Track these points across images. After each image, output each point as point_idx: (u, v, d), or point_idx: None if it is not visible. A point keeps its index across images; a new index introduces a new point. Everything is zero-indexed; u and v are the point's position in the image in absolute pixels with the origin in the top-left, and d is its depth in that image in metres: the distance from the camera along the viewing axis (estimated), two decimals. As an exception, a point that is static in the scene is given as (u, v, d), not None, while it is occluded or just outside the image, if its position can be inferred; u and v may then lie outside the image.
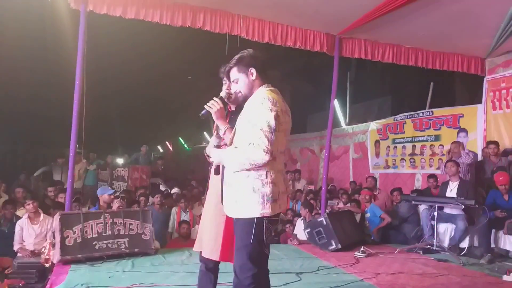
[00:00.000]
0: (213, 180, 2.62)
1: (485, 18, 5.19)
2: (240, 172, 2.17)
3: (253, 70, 2.24)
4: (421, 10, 4.91)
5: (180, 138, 23.91)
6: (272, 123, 2.08)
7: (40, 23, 8.49)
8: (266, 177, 2.13)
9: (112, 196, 5.19)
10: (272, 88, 2.25)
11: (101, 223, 4.36)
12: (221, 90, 2.60)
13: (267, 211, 2.11)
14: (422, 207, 5.51)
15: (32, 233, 4.89)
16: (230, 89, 2.49)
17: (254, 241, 2.09)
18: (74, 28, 4.67)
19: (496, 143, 6.05)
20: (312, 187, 8.92)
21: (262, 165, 2.12)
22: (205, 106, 2.40)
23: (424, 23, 5.35)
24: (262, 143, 2.07)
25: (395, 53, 6.24)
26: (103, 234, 4.34)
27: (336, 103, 11.19)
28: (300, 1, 4.91)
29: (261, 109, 2.11)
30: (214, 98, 2.43)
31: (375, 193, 6.95)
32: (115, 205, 4.87)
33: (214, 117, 2.41)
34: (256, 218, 2.11)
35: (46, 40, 9.61)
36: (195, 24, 5.01)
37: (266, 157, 2.07)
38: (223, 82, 2.67)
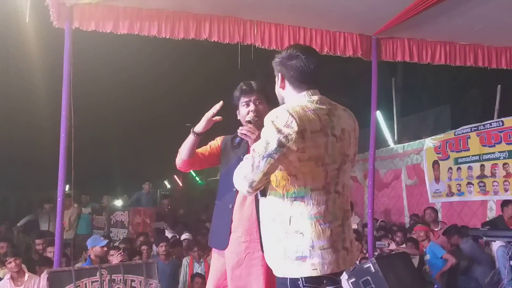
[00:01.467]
0: (241, 210, 2.77)
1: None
2: (267, 208, 2.19)
3: (279, 76, 2.28)
4: (474, 0, 4.97)
5: (191, 171, 24.23)
6: (271, 146, 2.01)
7: (18, 47, 8.96)
8: (289, 223, 2.08)
9: (105, 249, 5.30)
10: (306, 98, 2.18)
11: (97, 281, 4.47)
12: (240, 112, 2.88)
13: (293, 272, 2.06)
14: (497, 244, 5.40)
15: (16, 296, 5.05)
16: (255, 111, 2.77)
17: None
18: (57, 52, 4.92)
19: None
20: (354, 226, 8.84)
21: (283, 205, 2.09)
22: (240, 133, 2.55)
23: (481, 13, 5.38)
24: (244, 168, 2.07)
25: (449, 52, 6.25)
26: (100, 295, 4.44)
27: (379, 117, 11.29)
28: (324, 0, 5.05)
29: (267, 127, 2.09)
30: (249, 125, 2.60)
31: (436, 229, 6.84)
32: (115, 259, 4.99)
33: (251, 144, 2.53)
34: (288, 278, 2.07)
35: (25, 71, 10.10)
36: (200, 35, 5.20)
37: (246, 190, 2.08)
38: (243, 104, 2.88)
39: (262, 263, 2.61)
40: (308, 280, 2.06)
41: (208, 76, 12.48)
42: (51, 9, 4.57)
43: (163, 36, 5.05)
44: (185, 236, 8.03)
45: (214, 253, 2.94)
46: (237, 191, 2.77)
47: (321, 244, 2.06)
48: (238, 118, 2.99)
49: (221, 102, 2.79)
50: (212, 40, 5.27)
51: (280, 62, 2.26)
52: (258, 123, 2.67)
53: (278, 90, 2.31)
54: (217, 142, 3.05)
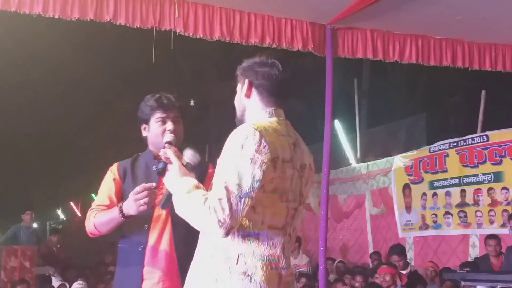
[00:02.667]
0: (156, 250, 2.83)
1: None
2: (205, 242, 2.27)
3: (247, 82, 2.41)
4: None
5: (93, 195, 23.60)
6: (247, 182, 2.10)
7: None
8: (237, 262, 2.16)
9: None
10: (275, 118, 2.35)
11: None
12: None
13: None
14: (479, 290, 5.62)
15: None
16: (174, 131, 2.92)
17: None
18: None
19: None
20: (303, 267, 8.95)
21: (231, 240, 2.16)
22: (164, 157, 2.55)
23: (461, 2, 5.66)
24: (219, 210, 2.08)
25: (421, 48, 6.51)
26: None
27: (338, 128, 11.55)
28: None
29: (236, 153, 2.15)
30: (171, 147, 2.66)
31: (405, 271, 7.05)
32: None
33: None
34: None
35: None
36: (102, 16, 5.15)
37: (219, 232, 2.09)
38: (158, 120, 2.98)
39: None
40: None
41: (114, 70, 12.33)
42: None
43: (51, 15, 4.96)
44: (77, 285, 7.81)
45: None
46: (149, 229, 2.85)
47: None
48: (144, 135, 3.07)
49: (153, 184, 2.80)
50: (118, 23, 5.23)
51: (249, 67, 2.42)
52: (176, 146, 2.80)
53: (242, 99, 2.43)
54: (114, 175, 3.04)
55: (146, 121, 3.03)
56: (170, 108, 3.00)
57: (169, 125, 2.96)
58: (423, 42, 6.52)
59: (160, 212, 2.88)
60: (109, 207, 2.95)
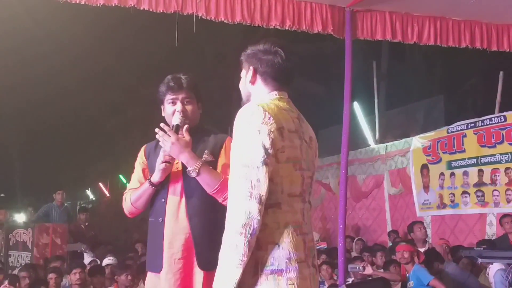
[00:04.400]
0: (175, 222, 2.94)
1: None
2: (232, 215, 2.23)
3: (251, 69, 2.47)
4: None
5: (121, 176, 23.92)
6: (258, 151, 2.18)
7: None
8: (264, 232, 2.20)
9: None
10: (277, 97, 2.42)
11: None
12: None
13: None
14: (495, 268, 5.60)
15: None
16: (182, 111, 3.01)
17: None
18: None
19: None
20: (324, 244, 8.97)
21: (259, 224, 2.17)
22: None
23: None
24: (242, 188, 2.16)
25: (439, 30, 6.45)
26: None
27: (357, 110, 11.52)
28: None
29: (244, 130, 2.25)
30: (163, 128, 2.86)
31: (423, 249, 7.02)
32: None
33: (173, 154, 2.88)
34: None
35: None
36: (126, 2, 5.16)
37: (252, 207, 2.13)
38: (169, 101, 3.08)
39: (201, 278, 2.87)
40: None
41: (138, 54, 12.38)
42: None
43: (76, 2, 4.97)
44: (108, 261, 7.89)
45: (150, 277, 3.05)
46: (166, 202, 2.97)
47: (298, 256, 2.23)
48: (163, 115, 3.15)
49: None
50: (142, 8, 5.24)
51: (253, 55, 2.48)
52: (189, 125, 2.98)
53: (246, 85, 2.50)
54: (141, 158, 3.21)
55: (162, 103, 3.14)
56: (179, 90, 3.06)
57: (178, 106, 3.05)
58: (442, 24, 6.45)
59: (175, 188, 2.99)
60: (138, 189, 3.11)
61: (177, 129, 2.96)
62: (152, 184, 2.97)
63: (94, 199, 27.32)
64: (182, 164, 2.93)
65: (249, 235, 2.13)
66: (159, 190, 2.98)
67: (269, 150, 2.18)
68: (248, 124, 2.23)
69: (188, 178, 2.89)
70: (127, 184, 24.33)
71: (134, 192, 3.06)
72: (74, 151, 19.72)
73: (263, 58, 2.44)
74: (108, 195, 25.36)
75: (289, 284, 2.18)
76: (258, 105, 2.27)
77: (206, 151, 2.97)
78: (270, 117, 2.22)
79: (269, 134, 2.19)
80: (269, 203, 2.21)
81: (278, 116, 2.26)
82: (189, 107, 3.06)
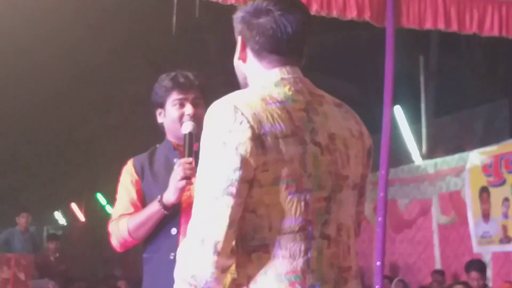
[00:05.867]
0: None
1: None
2: None
3: (239, 41, 2.18)
4: None
5: (98, 196, 24.04)
6: (221, 177, 1.89)
7: None
8: (247, 285, 1.97)
9: None
10: (279, 78, 2.08)
11: None
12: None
13: None
14: None
15: None
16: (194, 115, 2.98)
17: None
18: None
19: None
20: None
21: (238, 264, 1.97)
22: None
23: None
24: (196, 230, 1.94)
25: (505, 17, 6.42)
26: None
27: (399, 116, 11.51)
28: None
29: (205, 138, 1.99)
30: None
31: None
32: None
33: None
34: None
35: None
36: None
37: (209, 260, 1.90)
38: (175, 102, 3.05)
39: None
40: None
41: (126, 42, 12.46)
42: None
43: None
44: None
45: None
46: (178, 234, 2.93)
47: None
48: (159, 121, 3.17)
49: (190, 159, 2.90)
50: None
51: (242, 19, 2.15)
52: (198, 135, 2.81)
53: (237, 63, 2.23)
54: (132, 176, 3.15)
55: (161, 105, 3.11)
56: (188, 88, 3.06)
57: (188, 109, 3.03)
58: (508, 10, 6.43)
59: (189, 211, 2.93)
60: (133, 214, 3.04)
61: (190, 139, 2.93)
62: (164, 206, 2.90)
63: (65, 224, 27.47)
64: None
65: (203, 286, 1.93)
66: (167, 218, 2.94)
67: (236, 173, 1.87)
68: (211, 132, 1.96)
69: None
70: (106, 206, 24.51)
71: (132, 218, 2.99)
72: (41, 165, 19.78)
73: (253, 23, 2.09)
74: (82, 219, 25.47)
75: None
76: (230, 102, 1.96)
77: None
78: (242, 120, 1.90)
79: (237, 149, 1.88)
80: (252, 245, 1.95)
81: (259, 117, 1.92)
82: (199, 111, 3.03)
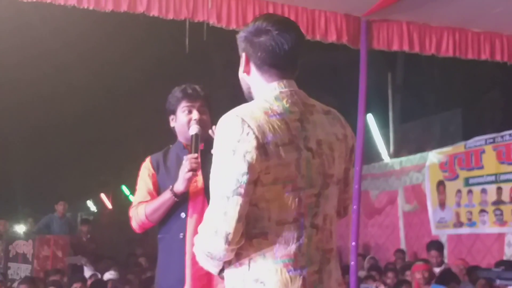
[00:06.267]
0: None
1: None
2: None
3: (243, 56, 2.17)
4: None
5: (123, 187, 23.94)
6: (231, 179, 1.92)
7: None
8: (249, 267, 2.00)
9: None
10: (273, 94, 2.07)
11: (-15, 333, 4.41)
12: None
13: None
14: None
15: None
16: (200, 120, 3.01)
17: None
18: None
19: None
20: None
21: (241, 247, 1.99)
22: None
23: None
24: (210, 220, 1.99)
25: (458, 41, 6.45)
26: None
27: (371, 122, 11.51)
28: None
29: (217, 147, 2.00)
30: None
31: (439, 269, 7.01)
32: None
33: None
34: None
35: None
36: (135, 8, 5.21)
37: (218, 245, 1.95)
38: (184, 109, 3.09)
39: None
40: None
41: (146, 61, 12.46)
42: None
43: (85, 7, 5.04)
44: (109, 275, 7.94)
45: None
46: (186, 217, 2.95)
47: None
48: (172, 125, 3.19)
49: (197, 155, 2.94)
50: (152, 15, 5.29)
51: (245, 38, 2.14)
52: (203, 136, 3.00)
53: (242, 75, 2.21)
54: (149, 170, 3.18)
55: (173, 112, 3.15)
56: (195, 98, 3.10)
57: (195, 115, 3.07)
58: (461, 35, 6.46)
59: (196, 203, 2.99)
60: (150, 201, 3.08)
61: (196, 139, 2.97)
62: (175, 194, 2.94)
63: (95, 210, 27.34)
64: (202, 180, 2.95)
65: (217, 260, 2.02)
66: (177, 204, 2.97)
67: (244, 176, 1.90)
68: (223, 141, 1.97)
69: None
70: (130, 195, 24.40)
71: (149, 204, 3.03)
72: (75, 160, 19.72)
73: (255, 42, 2.09)
74: (110, 206, 25.37)
75: None
76: (238, 115, 1.97)
77: None
78: (248, 132, 1.92)
79: (245, 156, 1.90)
80: (254, 232, 1.98)
81: (263, 128, 1.94)
82: (204, 117, 3.09)
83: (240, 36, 2.17)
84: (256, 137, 1.92)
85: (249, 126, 1.93)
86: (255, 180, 1.94)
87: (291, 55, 2.11)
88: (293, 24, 2.20)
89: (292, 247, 1.98)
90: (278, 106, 2.02)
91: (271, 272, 1.96)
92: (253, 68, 2.14)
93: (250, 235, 1.99)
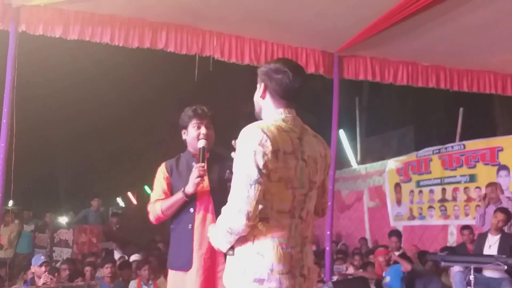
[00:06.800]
0: (202, 229, 2.92)
1: (517, 28, 5.47)
2: None
3: (262, 86, 2.27)
4: (435, 21, 5.17)
5: (145, 187, 23.88)
6: (252, 171, 2.03)
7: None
8: (253, 243, 2.10)
9: (43, 268, 5.22)
10: (282, 117, 2.20)
11: (33, 303, 4.35)
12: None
13: None
14: (455, 270, 5.57)
15: None
16: (206, 135, 3.00)
17: None
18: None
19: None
20: (313, 247, 8.93)
21: (245, 232, 2.08)
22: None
23: (442, 36, 5.62)
24: (234, 202, 2.06)
25: (411, 72, 6.47)
26: (36, 319, 4.32)
27: (343, 137, 11.53)
28: (287, 15, 5.14)
29: (242, 149, 2.10)
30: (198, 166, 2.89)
31: (397, 253, 6.98)
32: (41, 280, 4.89)
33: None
34: None
35: None
36: (156, 44, 5.20)
37: (240, 221, 2.03)
38: (194, 125, 3.07)
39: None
40: None
41: (164, 86, 12.51)
42: (-6, 9, 4.48)
43: (116, 44, 5.03)
44: (134, 257, 7.87)
45: (175, 275, 3.02)
46: (194, 212, 2.95)
47: (280, 268, 2.07)
48: (183, 138, 3.16)
49: (204, 163, 2.94)
50: (169, 50, 5.28)
51: (266, 73, 2.27)
52: (208, 148, 3.01)
53: (258, 99, 2.30)
54: (164, 174, 3.15)
55: (185, 127, 3.12)
56: (203, 116, 3.08)
57: (203, 130, 3.05)
58: (413, 68, 6.47)
59: (202, 201, 2.98)
60: (165, 199, 3.05)
61: (203, 151, 2.96)
62: (186, 195, 2.93)
63: (123, 205, 27.21)
64: (208, 183, 2.96)
65: (234, 235, 2.10)
66: (187, 202, 2.95)
67: (262, 171, 2.03)
68: (247, 144, 2.07)
69: (215, 194, 2.92)
70: (150, 194, 24.37)
71: (164, 202, 3.00)
72: (108, 165, 19.73)
73: (273, 77, 2.22)
74: (135, 202, 25.27)
75: None
76: (259, 127, 2.10)
77: (227, 171, 2.82)
78: (267, 139, 2.05)
79: (263, 156, 2.03)
80: (259, 217, 2.08)
81: (276, 139, 2.08)
82: (210, 132, 3.07)
83: (262, 70, 2.29)
84: (272, 144, 2.06)
85: (267, 135, 2.07)
86: (267, 175, 2.05)
87: (298, 92, 2.25)
88: (303, 69, 2.32)
89: (286, 231, 2.12)
90: (285, 125, 2.17)
91: (269, 247, 2.08)
92: (267, 95, 2.26)
93: (256, 220, 2.09)
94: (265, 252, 2.07)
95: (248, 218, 2.03)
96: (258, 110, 2.32)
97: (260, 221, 2.08)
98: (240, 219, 2.03)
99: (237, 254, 2.14)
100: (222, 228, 2.12)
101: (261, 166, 2.03)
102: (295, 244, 2.14)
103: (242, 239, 2.12)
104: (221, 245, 2.19)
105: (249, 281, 2.07)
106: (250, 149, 2.05)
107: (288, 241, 2.11)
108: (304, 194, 2.18)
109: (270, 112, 2.24)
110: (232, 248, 2.17)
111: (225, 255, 2.27)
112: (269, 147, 2.05)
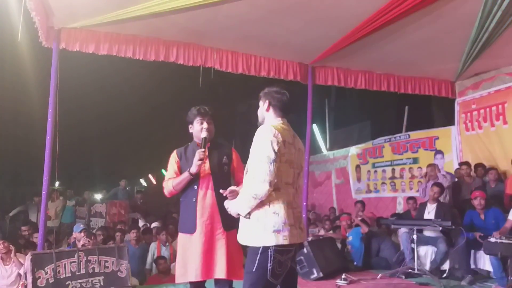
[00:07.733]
0: (203, 202, 2.95)
1: (449, 44, 5.49)
2: None
3: (267, 102, 2.52)
4: (386, 38, 5.18)
5: (162, 171, 23.83)
6: (271, 154, 2.27)
7: (11, 60, 8.72)
8: (269, 206, 2.31)
9: (83, 234, 5.19)
10: (282, 122, 2.46)
11: (75, 261, 4.32)
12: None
13: (269, 241, 2.27)
14: (402, 231, 5.61)
15: (5, 274, 4.81)
16: (208, 129, 3.01)
17: (258, 269, 2.28)
18: (45, 64, 4.77)
19: (467, 164, 6.26)
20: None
21: (266, 196, 2.29)
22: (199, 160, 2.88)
23: (391, 50, 5.63)
24: (260, 174, 2.26)
25: (367, 79, 6.48)
26: (77, 273, 4.28)
27: (315, 129, 11.53)
28: (271, 34, 5.12)
29: (261, 141, 2.32)
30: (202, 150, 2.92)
31: (359, 219, 7.01)
32: (80, 242, 4.87)
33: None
34: (262, 247, 2.28)
35: (18, 77, 9.85)
36: (168, 58, 5.16)
37: (265, 187, 2.24)
38: (198, 121, 3.05)
39: (223, 236, 2.92)
40: (276, 249, 2.28)
41: (175, 91, 12.47)
42: (40, 30, 4.41)
43: (137, 58, 4.99)
44: (154, 224, 7.87)
45: (183, 237, 3.02)
46: (198, 189, 2.95)
47: (290, 222, 2.30)
48: (190, 131, 3.14)
49: (204, 150, 2.94)
50: (179, 63, 5.25)
51: (269, 93, 2.53)
52: (209, 138, 3.02)
53: (262, 111, 2.54)
54: (175, 158, 3.14)
55: (191, 122, 3.11)
56: (205, 114, 3.08)
57: (205, 125, 3.05)
58: (369, 75, 6.49)
59: (204, 179, 2.98)
60: (175, 178, 3.05)
61: (205, 140, 2.96)
62: (190, 174, 2.94)
63: (145, 185, 27.19)
64: (209, 166, 2.97)
65: (258, 199, 2.29)
66: (192, 180, 2.96)
67: (277, 153, 2.27)
68: (265, 136, 2.31)
69: (215, 175, 2.94)
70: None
71: (175, 180, 3.01)
72: (134, 153, 19.71)
73: (275, 96, 2.51)
74: (154, 182, 25.23)
75: (284, 239, 2.28)
76: (271, 126, 2.36)
77: (225, 157, 2.99)
78: (278, 134, 2.31)
79: (277, 144, 2.28)
80: (274, 187, 2.29)
81: (283, 133, 2.35)
82: (210, 126, 3.07)
83: (266, 91, 2.56)
84: (282, 136, 2.33)
85: (278, 131, 2.34)
86: (279, 157, 2.29)
87: (290, 107, 2.55)
88: (293, 94, 2.60)
89: (290, 197, 2.37)
90: (283, 127, 2.42)
91: (281, 208, 2.31)
92: (270, 109, 2.52)
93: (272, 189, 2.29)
94: (279, 211, 2.29)
95: (271, 185, 2.25)
96: (261, 120, 2.55)
97: (274, 190, 2.30)
98: (265, 186, 2.24)
99: (255, 216, 2.32)
100: (248, 195, 2.30)
101: (276, 150, 2.27)
102: (296, 206, 2.40)
103: (260, 204, 2.30)
104: (243, 209, 2.35)
105: (269, 232, 2.28)
106: (268, 139, 2.29)
107: (292, 203, 2.35)
108: (298, 173, 2.45)
109: (272, 120, 2.49)
110: (249, 213, 2.34)
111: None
112: (280, 138, 2.31)
